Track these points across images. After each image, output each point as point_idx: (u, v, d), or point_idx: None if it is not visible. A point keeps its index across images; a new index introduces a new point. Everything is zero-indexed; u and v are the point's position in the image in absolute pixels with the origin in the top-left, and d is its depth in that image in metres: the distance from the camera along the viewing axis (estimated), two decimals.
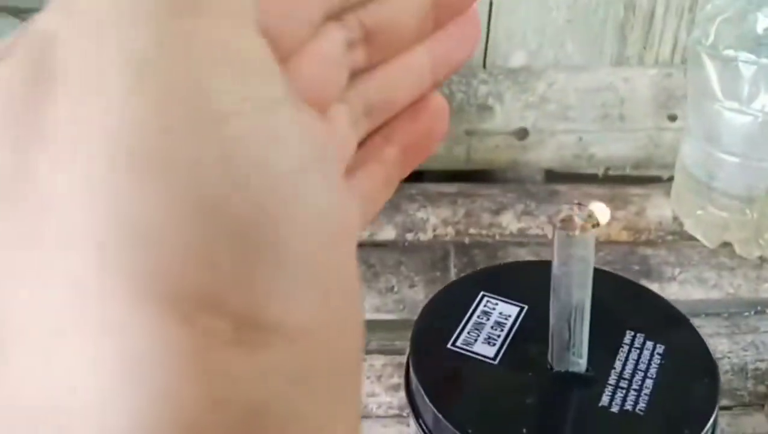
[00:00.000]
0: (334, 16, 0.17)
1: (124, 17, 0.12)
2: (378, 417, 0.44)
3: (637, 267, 0.53)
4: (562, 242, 0.22)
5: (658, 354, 0.24)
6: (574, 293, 0.22)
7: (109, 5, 0.13)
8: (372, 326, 0.49)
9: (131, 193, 0.11)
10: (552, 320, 0.23)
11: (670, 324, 0.25)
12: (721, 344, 0.47)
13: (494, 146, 0.61)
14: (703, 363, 0.24)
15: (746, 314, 0.49)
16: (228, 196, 0.12)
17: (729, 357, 0.47)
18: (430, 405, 0.23)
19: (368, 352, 0.47)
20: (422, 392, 0.24)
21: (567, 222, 0.21)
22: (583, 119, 0.61)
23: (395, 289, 0.51)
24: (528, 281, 0.27)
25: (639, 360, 0.24)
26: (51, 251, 0.12)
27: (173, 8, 0.12)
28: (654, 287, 0.52)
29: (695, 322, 0.49)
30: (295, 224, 0.13)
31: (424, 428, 0.24)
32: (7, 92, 0.12)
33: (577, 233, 0.21)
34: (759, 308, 0.50)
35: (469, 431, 0.22)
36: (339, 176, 0.15)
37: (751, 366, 0.46)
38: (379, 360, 0.46)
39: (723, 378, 0.46)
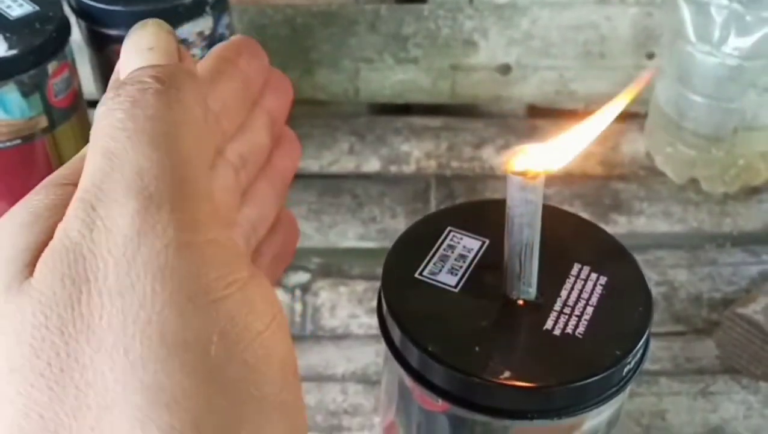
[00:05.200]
0: (220, 151, 0.22)
1: (143, 237, 0.17)
2: (358, 336, 0.47)
3: (607, 201, 0.56)
4: (515, 187, 0.24)
5: (601, 284, 0.27)
6: (524, 232, 0.25)
7: (127, 223, 0.17)
8: (355, 253, 0.52)
9: (156, 367, 0.16)
10: (506, 255, 0.26)
11: (614, 258, 0.28)
12: (680, 274, 0.51)
13: (478, 80, 0.63)
14: (640, 294, 0.27)
15: (707, 247, 0.53)
16: (225, 365, 0.17)
17: (686, 287, 0.50)
18: (397, 327, 0.26)
19: (351, 277, 0.50)
20: (391, 316, 0.27)
21: (520, 169, 0.24)
22: (565, 56, 0.63)
23: (378, 219, 0.54)
24: (491, 218, 0.29)
25: (583, 290, 0.27)
26: (96, 415, 0.16)
27: (178, 225, 0.18)
28: (622, 220, 0.55)
29: (658, 253, 0.53)
30: (270, 372, 0.18)
31: (393, 347, 0.27)
32: (50, 294, 0.17)
33: (529, 180, 0.24)
34: (719, 241, 0.53)
35: (430, 349, 0.25)
36: (286, 320, 0.20)
37: (706, 296, 0.49)
38: (361, 285, 0.50)
39: (679, 305, 0.49)
